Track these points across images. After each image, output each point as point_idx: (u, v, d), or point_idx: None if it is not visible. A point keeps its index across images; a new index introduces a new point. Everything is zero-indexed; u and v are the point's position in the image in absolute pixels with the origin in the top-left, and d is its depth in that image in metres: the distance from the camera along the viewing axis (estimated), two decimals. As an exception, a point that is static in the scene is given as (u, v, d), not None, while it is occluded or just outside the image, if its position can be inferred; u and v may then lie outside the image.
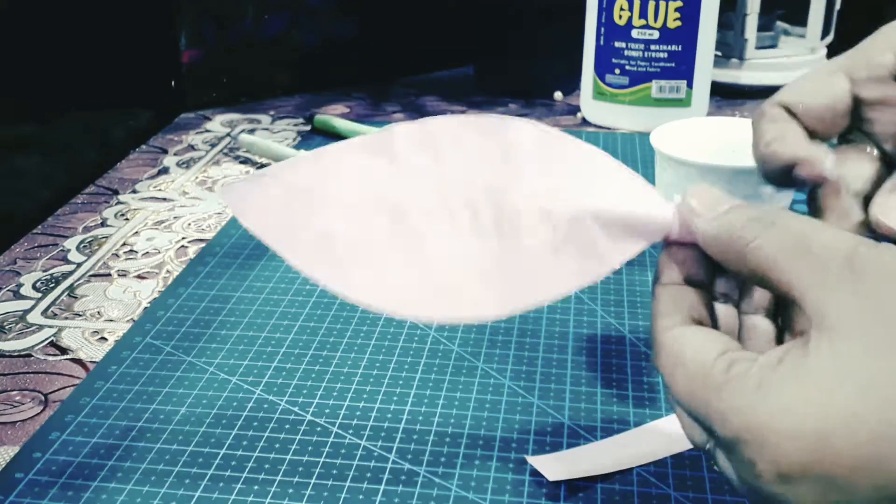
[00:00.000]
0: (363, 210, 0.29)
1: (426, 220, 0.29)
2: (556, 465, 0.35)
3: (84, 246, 0.57)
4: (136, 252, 0.56)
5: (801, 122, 0.31)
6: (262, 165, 0.69)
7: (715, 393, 0.24)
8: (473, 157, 0.29)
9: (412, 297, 0.28)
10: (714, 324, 0.28)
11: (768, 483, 0.22)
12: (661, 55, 0.73)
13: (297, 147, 0.70)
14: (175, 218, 0.60)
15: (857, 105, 0.31)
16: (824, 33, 0.84)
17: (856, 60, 0.31)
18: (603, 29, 0.74)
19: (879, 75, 0.30)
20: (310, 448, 0.37)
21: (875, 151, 0.31)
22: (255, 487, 0.35)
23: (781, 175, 0.30)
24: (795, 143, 0.30)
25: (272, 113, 0.82)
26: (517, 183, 0.29)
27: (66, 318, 0.48)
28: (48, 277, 0.52)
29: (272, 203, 0.30)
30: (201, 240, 0.57)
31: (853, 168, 0.31)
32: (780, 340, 0.28)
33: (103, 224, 0.60)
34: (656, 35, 0.72)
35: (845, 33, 0.88)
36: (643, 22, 0.72)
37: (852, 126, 0.31)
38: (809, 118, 0.31)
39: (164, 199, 0.63)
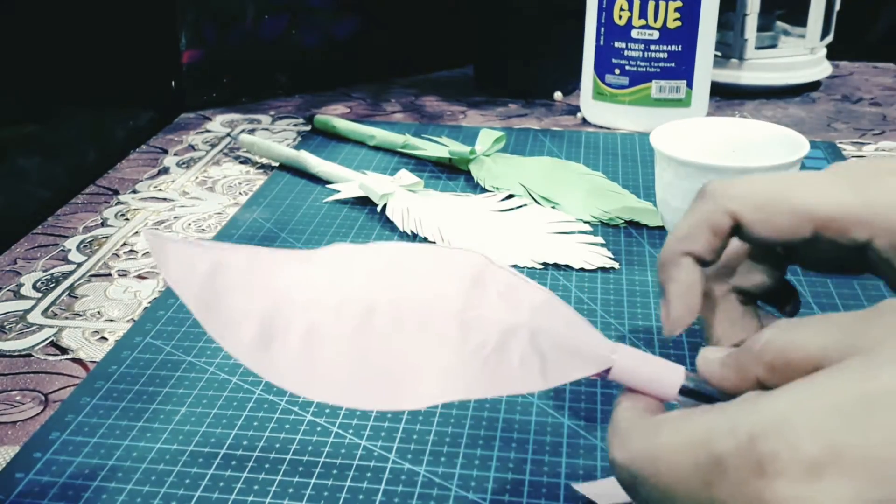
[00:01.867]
0: (289, 300, 0.29)
1: (347, 317, 0.28)
2: (606, 490, 0.35)
3: (84, 246, 0.57)
4: (137, 252, 0.56)
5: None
6: (263, 165, 0.69)
7: (712, 414, 0.24)
8: (415, 272, 0.30)
9: (321, 386, 0.28)
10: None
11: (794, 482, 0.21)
12: (661, 55, 0.73)
13: (298, 147, 0.70)
14: (175, 218, 0.60)
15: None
16: (824, 33, 0.84)
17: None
18: (603, 29, 0.74)
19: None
20: (310, 448, 0.37)
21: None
22: (256, 487, 0.35)
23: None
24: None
25: (272, 113, 0.82)
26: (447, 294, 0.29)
27: (67, 318, 0.48)
28: (48, 277, 0.53)
29: (197, 269, 0.29)
30: (202, 240, 0.57)
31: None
32: None
33: (104, 224, 0.60)
34: (656, 35, 0.72)
35: (844, 33, 0.89)
36: (643, 22, 0.72)
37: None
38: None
39: (165, 199, 0.63)
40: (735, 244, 0.32)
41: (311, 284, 0.29)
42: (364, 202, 0.61)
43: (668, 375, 0.28)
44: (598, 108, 0.77)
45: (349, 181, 0.62)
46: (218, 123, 0.79)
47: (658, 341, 0.45)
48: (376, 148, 0.71)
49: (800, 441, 0.21)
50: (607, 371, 0.28)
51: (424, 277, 0.30)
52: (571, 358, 0.28)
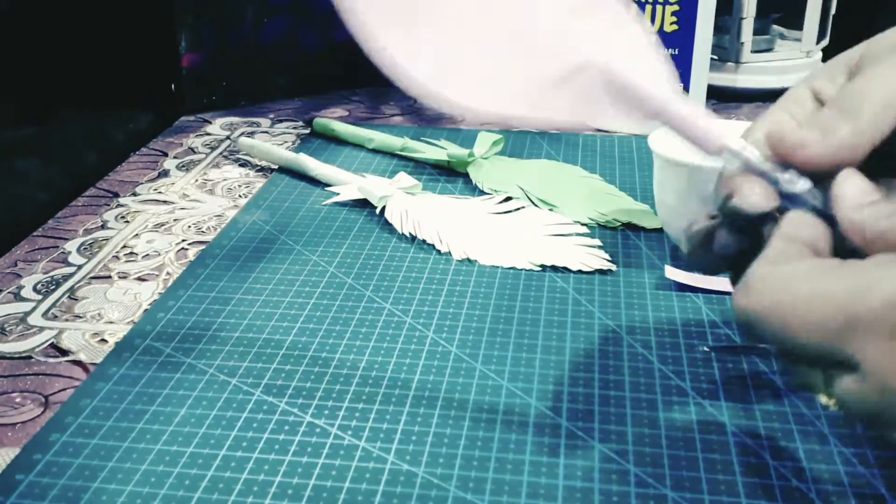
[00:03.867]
0: None
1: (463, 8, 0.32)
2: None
3: (84, 248, 0.57)
4: (137, 254, 0.56)
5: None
6: (262, 168, 0.69)
7: (847, 277, 0.25)
8: None
9: (429, 71, 0.31)
10: None
11: None
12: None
13: (297, 150, 0.70)
14: (175, 220, 0.61)
15: None
16: (820, 37, 0.85)
17: None
18: (600, 32, 0.75)
19: None
20: (309, 449, 0.38)
21: None
22: (255, 488, 0.35)
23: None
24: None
25: (272, 116, 0.83)
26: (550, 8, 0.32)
27: (67, 320, 0.48)
28: (49, 279, 0.53)
29: None
30: (201, 242, 0.57)
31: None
32: None
33: (104, 226, 0.60)
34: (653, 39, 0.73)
35: (841, 37, 0.89)
36: (640, 25, 0.73)
37: None
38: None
39: (165, 202, 0.64)
40: None
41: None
42: (363, 204, 0.61)
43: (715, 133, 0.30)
44: (595, 111, 0.77)
45: (348, 184, 0.63)
46: (217, 126, 0.80)
47: (657, 343, 0.45)
48: (375, 151, 0.72)
49: None
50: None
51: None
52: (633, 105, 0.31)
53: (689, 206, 0.51)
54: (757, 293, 0.27)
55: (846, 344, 0.25)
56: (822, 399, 0.29)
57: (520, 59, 0.32)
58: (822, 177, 0.29)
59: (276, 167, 0.69)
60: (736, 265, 0.32)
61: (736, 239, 0.31)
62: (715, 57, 0.82)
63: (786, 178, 0.30)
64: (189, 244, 0.57)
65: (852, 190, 0.28)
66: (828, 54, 0.87)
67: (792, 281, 0.26)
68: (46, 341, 0.46)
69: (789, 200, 0.30)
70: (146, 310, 0.49)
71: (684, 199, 0.51)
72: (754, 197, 0.30)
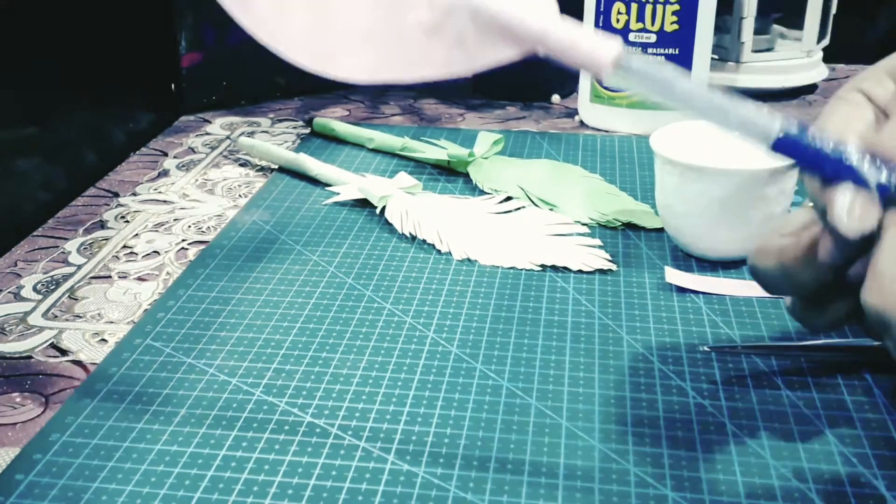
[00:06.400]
0: None
1: None
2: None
3: (84, 248, 0.57)
4: (137, 254, 0.56)
5: None
6: (262, 168, 0.69)
7: None
8: None
9: (297, 42, 0.30)
10: None
11: None
12: (658, 59, 0.73)
13: (297, 150, 0.70)
14: (175, 220, 0.61)
15: None
16: (820, 37, 0.85)
17: None
18: (600, 32, 0.75)
19: None
20: (309, 449, 0.38)
21: None
22: (255, 489, 0.35)
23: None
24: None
25: (272, 116, 0.83)
26: None
27: (67, 320, 0.48)
28: (49, 279, 0.53)
29: None
30: (201, 242, 0.57)
31: None
32: None
33: (103, 226, 0.60)
34: (653, 38, 0.73)
35: (841, 37, 0.89)
36: (640, 25, 0.73)
37: None
38: None
39: (165, 202, 0.64)
40: None
41: None
42: (363, 204, 0.61)
43: (605, 47, 0.27)
44: (596, 110, 0.77)
45: (348, 184, 0.63)
46: (217, 126, 0.80)
47: (657, 343, 0.45)
48: (375, 150, 0.72)
49: None
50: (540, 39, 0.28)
51: None
52: (506, 33, 0.28)
53: (691, 206, 0.51)
54: (891, 291, 0.25)
55: None
56: None
57: (386, 14, 0.30)
58: None
59: (276, 167, 0.69)
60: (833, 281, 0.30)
61: (842, 247, 0.28)
62: (715, 57, 0.82)
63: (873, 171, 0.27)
64: (189, 244, 0.57)
65: None
66: (828, 54, 0.88)
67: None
68: (46, 341, 0.46)
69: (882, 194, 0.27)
70: (146, 310, 0.49)
71: (686, 200, 0.51)
72: (855, 220, 0.27)
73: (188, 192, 0.65)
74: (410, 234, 0.56)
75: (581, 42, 0.28)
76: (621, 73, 0.28)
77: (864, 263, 0.28)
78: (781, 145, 0.28)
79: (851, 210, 0.27)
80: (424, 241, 0.56)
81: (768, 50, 0.85)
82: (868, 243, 0.27)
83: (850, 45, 0.96)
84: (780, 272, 0.30)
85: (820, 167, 0.28)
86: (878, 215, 0.27)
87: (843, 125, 0.30)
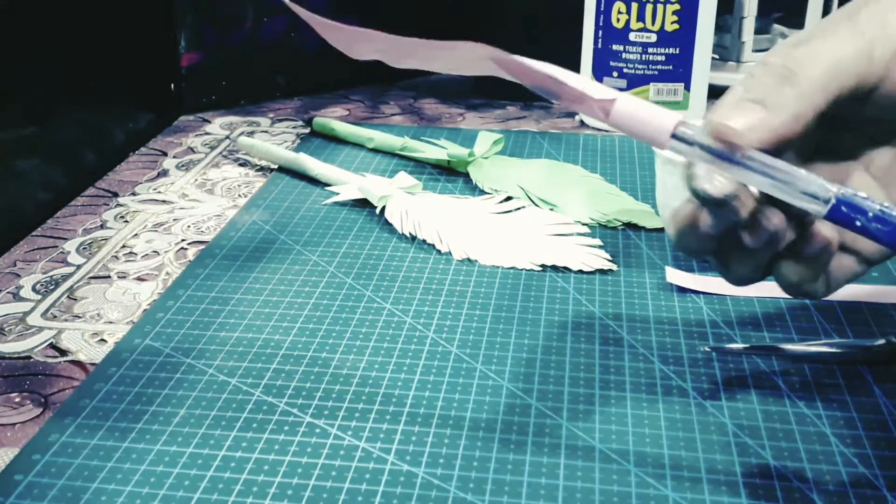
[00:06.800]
0: None
1: None
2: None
3: (84, 248, 0.57)
4: (136, 254, 0.56)
5: None
6: (262, 168, 0.69)
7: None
8: None
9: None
10: None
11: None
12: (659, 58, 0.73)
13: (297, 150, 0.70)
14: (174, 220, 0.60)
15: None
16: (821, 36, 0.84)
17: None
18: (601, 32, 0.75)
19: None
20: (308, 449, 0.37)
21: None
22: (255, 489, 0.35)
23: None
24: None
25: (271, 115, 0.82)
26: None
27: (66, 320, 0.48)
28: (48, 279, 0.53)
29: None
30: (201, 242, 0.57)
31: None
32: None
33: (103, 226, 0.60)
34: (654, 38, 0.73)
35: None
36: (641, 25, 0.73)
37: None
38: None
39: (164, 202, 0.64)
40: None
41: None
42: (363, 204, 0.61)
43: (664, 118, 0.29)
44: (596, 110, 0.77)
45: (348, 183, 0.63)
46: (217, 126, 0.80)
47: (657, 343, 0.45)
48: (375, 150, 0.72)
49: None
50: (610, 102, 0.29)
51: None
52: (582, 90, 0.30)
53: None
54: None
55: None
56: None
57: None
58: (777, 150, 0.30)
59: (276, 167, 0.69)
60: (722, 246, 0.32)
61: (717, 218, 0.31)
62: (716, 56, 0.82)
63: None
64: (188, 244, 0.57)
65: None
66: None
67: None
68: (46, 341, 0.46)
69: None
70: (145, 310, 0.49)
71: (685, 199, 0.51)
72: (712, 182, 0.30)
73: (187, 192, 0.65)
74: (410, 234, 0.56)
75: (640, 112, 0.30)
76: (678, 144, 0.29)
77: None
78: (836, 210, 0.29)
79: (709, 177, 0.30)
80: (424, 241, 0.56)
81: (769, 49, 0.85)
82: (732, 213, 0.30)
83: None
84: (675, 237, 0.33)
85: (876, 231, 0.29)
86: (731, 184, 0.30)
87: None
